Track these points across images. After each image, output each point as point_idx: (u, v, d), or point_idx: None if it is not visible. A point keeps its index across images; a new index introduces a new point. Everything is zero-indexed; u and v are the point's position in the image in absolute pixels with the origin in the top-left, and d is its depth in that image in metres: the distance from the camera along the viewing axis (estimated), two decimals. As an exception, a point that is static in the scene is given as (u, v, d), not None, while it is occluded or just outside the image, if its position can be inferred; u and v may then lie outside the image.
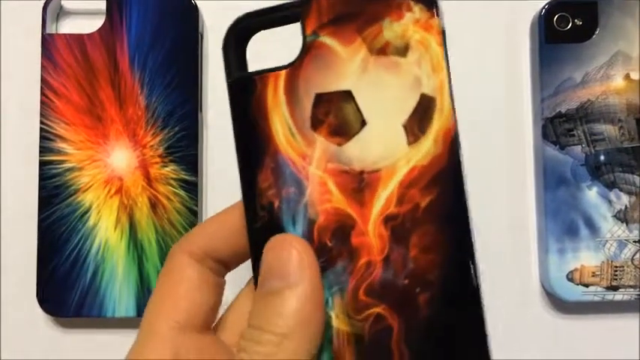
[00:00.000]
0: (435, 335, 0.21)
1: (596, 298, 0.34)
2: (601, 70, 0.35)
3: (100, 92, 0.36)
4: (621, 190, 0.34)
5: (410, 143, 0.21)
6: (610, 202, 0.34)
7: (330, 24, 0.22)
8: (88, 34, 0.36)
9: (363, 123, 0.22)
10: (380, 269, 0.22)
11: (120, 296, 0.35)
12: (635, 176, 0.34)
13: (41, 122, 0.36)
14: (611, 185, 0.34)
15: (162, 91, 0.36)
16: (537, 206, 0.35)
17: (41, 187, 0.35)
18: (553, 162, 0.35)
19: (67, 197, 0.35)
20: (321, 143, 0.22)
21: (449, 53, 0.21)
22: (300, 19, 0.22)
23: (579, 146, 0.35)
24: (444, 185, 0.21)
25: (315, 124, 0.22)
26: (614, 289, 0.34)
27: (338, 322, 0.22)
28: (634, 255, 0.34)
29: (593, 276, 0.34)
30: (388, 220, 0.21)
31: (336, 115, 0.22)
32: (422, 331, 0.21)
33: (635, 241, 0.34)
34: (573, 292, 0.34)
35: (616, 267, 0.34)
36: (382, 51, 0.21)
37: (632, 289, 0.34)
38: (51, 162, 0.36)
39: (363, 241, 0.22)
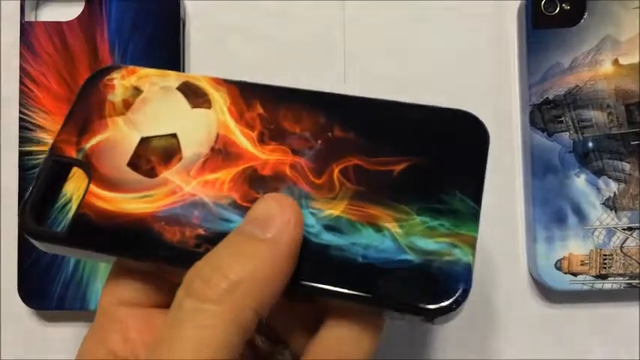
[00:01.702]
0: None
1: (585, 287, 0.33)
2: (589, 55, 0.34)
3: (80, 81, 0.35)
4: (610, 177, 0.34)
5: (197, 103, 0.25)
6: (598, 189, 0.34)
7: (79, 137, 0.25)
8: (67, 22, 0.36)
9: (174, 136, 0.24)
10: (300, 155, 0.23)
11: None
12: (623, 163, 0.34)
13: (20, 112, 0.35)
14: (599, 172, 0.34)
15: (144, 79, 0.35)
16: (525, 194, 0.35)
17: (21, 178, 0.35)
18: (541, 149, 0.34)
19: (48, 188, 0.35)
20: (171, 172, 0.24)
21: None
22: (65, 164, 0.24)
23: (567, 133, 0.34)
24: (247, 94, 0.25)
25: (151, 172, 0.24)
26: (603, 277, 0.33)
27: (351, 211, 0.22)
28: (623, 243, 0.34)
29: (581, 264, 0.34)
30: (259, 137, 0.24)
31: (155, 153, 0.24)
32: (374, 136, 0.23)
33: (623, 229, 0.34)
34: (562, 281, 0.33)
35: (605, 255, 0.34)
36: (124, 107, 0.25)
37: (620, 278, 0.33)
38: (31, 152, 0.35)
39: (272, 163, 0.23)
